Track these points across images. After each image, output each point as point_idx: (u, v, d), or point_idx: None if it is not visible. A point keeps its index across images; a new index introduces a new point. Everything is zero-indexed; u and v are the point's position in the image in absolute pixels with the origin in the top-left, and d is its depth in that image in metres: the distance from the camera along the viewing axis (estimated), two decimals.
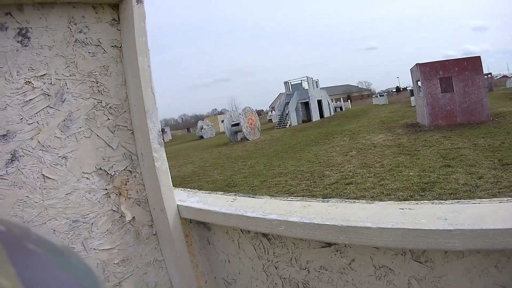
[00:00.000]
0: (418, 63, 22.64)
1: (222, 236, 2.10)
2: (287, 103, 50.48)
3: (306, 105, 52.06)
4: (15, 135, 1.81)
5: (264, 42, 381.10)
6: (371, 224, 1.34)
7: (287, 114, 49.62)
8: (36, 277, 0.50)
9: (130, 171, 2.21)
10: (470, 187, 8.85)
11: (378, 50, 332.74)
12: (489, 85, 56.30)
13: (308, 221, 1.52)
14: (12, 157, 1.80)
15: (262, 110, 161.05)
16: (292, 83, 54.77)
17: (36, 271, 0.51)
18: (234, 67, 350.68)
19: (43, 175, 1.89)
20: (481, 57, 21.84)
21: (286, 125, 47.86)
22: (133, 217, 2.19)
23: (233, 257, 2.09)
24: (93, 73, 2.08)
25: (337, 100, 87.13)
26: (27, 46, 1.87)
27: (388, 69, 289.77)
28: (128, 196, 2.18)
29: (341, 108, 75.54)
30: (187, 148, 41.84)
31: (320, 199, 1.78)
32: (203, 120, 66.67)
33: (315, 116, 51.39)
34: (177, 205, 2.20)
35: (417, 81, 24.14)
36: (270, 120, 76.64)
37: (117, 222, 2.13)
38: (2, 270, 0.45)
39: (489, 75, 69.06)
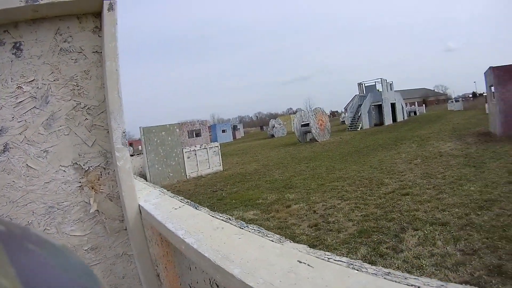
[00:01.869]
0: (492, 66, 21.22)
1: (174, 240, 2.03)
2: (360, 105, 49.76)
3: (379, 108, 51.22)
4: (7, 131, 2.20)
5: (344, 41, 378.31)
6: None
7: (359, 116, 48.98)
8: (36, 277, 0.50)
9: (104, 168, 2.46)
10: None
11: (457, 52, 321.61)
12: None
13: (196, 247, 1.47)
14: (4, 148, 2.20)
15: (337, 111, 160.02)
16: (365, 85, 53.89)
17: (36, 271, 0.51)
18: (314, 66, 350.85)
19: (27, 165, 2.25)
20: None
21: (358, 127, 47.31)
22: (98, 210, 2.42)
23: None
24: (75, 77, 2.37)
25: (412, 104, 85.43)
26: (20, 57, 2.22)
27: (466, 73, 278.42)
28: (101, 190, 2.44)
29: (415, 113, 73.96)
30: (256, 146, 42.33)
31: (241, 222, 1.68)
32: (275, 119, 67.06)
33: (388, 120, 50.41)
34: (138, 204, 2.37)
35: (490, 86, 22.66)
36: (343, 122, 76.27)
37: (89, 213, 2.40)
38: (2, 270, 0.45)
39: None
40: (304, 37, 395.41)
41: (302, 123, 36.81)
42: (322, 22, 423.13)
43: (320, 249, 4.63)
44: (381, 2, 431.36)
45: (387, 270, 1.11)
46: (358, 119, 49.14)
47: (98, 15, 2.40)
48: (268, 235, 1.48)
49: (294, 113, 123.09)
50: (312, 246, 7.07)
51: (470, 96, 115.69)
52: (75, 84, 2.36)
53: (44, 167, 2.28)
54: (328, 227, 8.53)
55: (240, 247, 1.39)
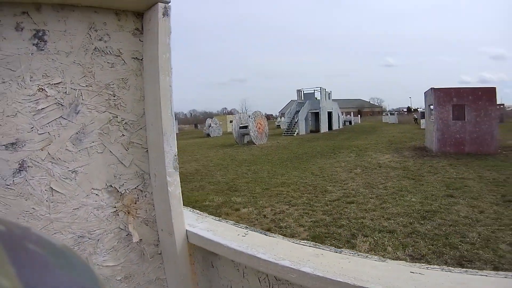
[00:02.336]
0: (433, 88, 22.57)
1: (227, 263, 2.04)
2: (298, 111, 50.37)
3: (316, 115, 52.11)
4: (25, 144, 1.76)
5: (287, 47, 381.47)
6: (382, 287, 1.32)
7: (296, 122, 49.54)
8: (36, 277, 0.50)
9: (141, 190, 2.17)
10: (470, 220, 8.83)
11: (395, 68, 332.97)
12: (501, 116, 56.13)
13: (321, 274, 1.48)
14: (20, 167, 1.75)
15: (272, 115, 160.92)
16: (304, 92, 54.78)
17: (36, 271, 0.51)
18: (252, 69, 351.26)
19: (51, 188, 1.83)
20: (496, 87, 21.80)
21: (294, 133, 47.79)
22: (140, 239, 2.15)
23: (236, 284, 2.02)
24: (111, 85, 2.03)
25: (348, 113, 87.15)
26: (43, 50, 1.79)
27: (402, 88, 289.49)
28: (137, 215, 2.15)
29: (350, 122, 75.59)
30: (193, 144, 41.81)
31: (333, 248, 1.75)
32: (212, 118, 66.71)
33: (324, 127, 51.42)
34: (186, 230, 2.17)
35: (429, 105, 24.07)
36: (279, 126, 76.60)
37: (123, 240, 2.09)
38: (2, 270, 0.45)
39: (502, 106, 68.78)
40: (243, 41, 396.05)
41: (241, 125, 36.83)
42: (264, 27, 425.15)
43: None
44: (325, 14, 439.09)
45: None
46: (295, 124, 49.66)
47: (139, 15, 2.10)
48: (368, 256, 1.62)
49: (230, 113, 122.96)
50: None
51: (405, 110, 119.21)
52: (111, 93, 2.02)
53: (73, 190, 1.91)
54: (281, 231, 8.64)
55: (359, 269, 1.49)
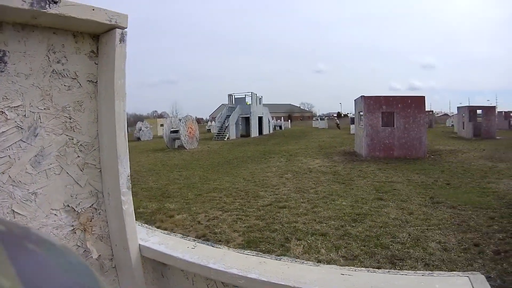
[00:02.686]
0: (363, 95, 23.34)
1: (177, 272, 2.15)
2: (228, 116, 50.45)
3: (247, 120, 52.40)
4: None
5: (219, 50, 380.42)
6: None
7: (227, 126, 49.60)
8: (36, 277, 0.50)
9: (95, 208, 2.21)
10: (400, 222, 9.23)
11: (325, 74, 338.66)
12: (430, 122, 58.58)
13: (266, 279, 1.65)
14: None
15: (202, 119, 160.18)
16: (235, 97, 54.96)
17: (36, 271, 0.51)
18: (184, 71, 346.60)
19: (13, 210, 1.85)
20: (425, 94, 22.93)
21: (225, 137, 47.81)
22: (99, 255, 2.20)
23: None
24: (67, 108, 2.06)
25: (278, 118, 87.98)
26: (3, 71, 1.78)
27: (332, 94, 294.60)
28: (92, 232, 2.19)
29: (280, 127, 76.34)
30: None
31: (274, 256, 1.93)
32: (142, 122, 65.69)
33: (254, 132, 51.84)
34: (139, 244, 2.24)
35: (359, 112, 24.83)
36: (209, 130, 76.26)
37: (82, 256, 2.04)
38: (2, 270, 0.46)
39: (431, 112, 71.69)
40: (173, 42, 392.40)
41: (172, 129, 36.50)
42: (195, 28, 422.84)
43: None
44: (256, 16, 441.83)
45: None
46: (225, 129, 49.72)
47: (95, 37, 2.14)
48: (305, 262, 1.83)
49: (160, 116, 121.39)
50: None
51: (335, 115, 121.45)
52: (68, 115, 2.06)
53: (33, 212, 1.92)
54: (216, 237, 8.71)
55: (298, 273, 1.68)
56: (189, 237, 2.35)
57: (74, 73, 2.06)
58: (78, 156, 2.12)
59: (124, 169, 2.15)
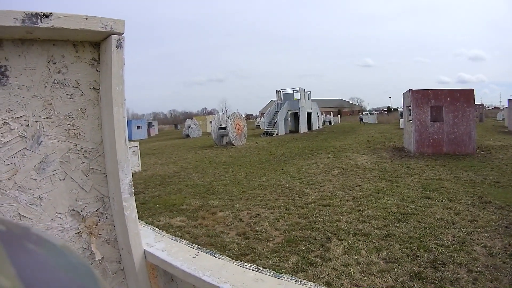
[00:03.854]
0: (411, 89, 22.77)
1: (184, 282, 2.11)
2: (277, 112, 50.45)
3: (296, 115, 52.20)
4: None
5: (264, 47, 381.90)
6: None
7: (275, 122, 49.57)
8: (36, 277, 0.50)
9: (102, 213, 2.28)
10: (446, 222, 8.91)
11: (374, 68, 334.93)
12: (480, 116, 57.11)
13: None
14: None
15: (252, 115, 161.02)
16: (284, 92, 54.80)
17: (36, 271, 0.51)
18: (231, 69, 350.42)
19: (19, 213, 1.94)
20: (474, 87, 22.11)
21: (273, 133, 47.84)
22: (102, 257, 2.25)
23: None
24: (70, 116, 2.13)
25: (327, 113, 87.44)
26: (5, 85, 1.88)
27: (381, 88, 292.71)
28: (99, 235, 2.25)
29: (329, 122, 76.03)
30: (171, 145, 41.57)
31: (273, 272, 1.84)
32: (191, 119, 66.33)
33: (303, 128, 51.56)
34: (144, 249, 2.28)
35: (407, 106, 24.27)
36: (258, 126, 76.65)
37: (87, 258, 2.17)
38: (2, 270, 0.45)
39: (481, 106, 69.78)
40: (222, 40, 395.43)
41: (220, 126, 36.71)
42: (242, 27, 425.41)
43: (251, 257, 4.96)
44: (299, 14, 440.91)
45: None
46: (274, 125, 49.71)
47: (96, 45, 2.21)
48: (305, 283, 1.72)
49: (209, 113, 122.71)
50: (244, 254, 7.28)
51: (385, 110, 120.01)
52: (71, 123, 2.14)
53: (39, 215, 2.02)
54: (256, 235, 8.70)
55: None
56: (193, 245, 2.33)
57: (76, 81, 2.14)
58: (83, 162, 2.19)
59: (126, 175, 2.19)
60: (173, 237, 2.49)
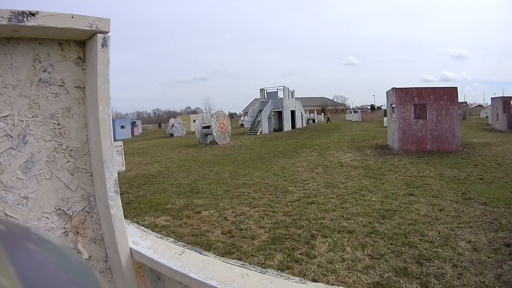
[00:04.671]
0: (395, 87, 22.92)
1: (171, 279, 2.12)
2: (261, 110, 50.60)
3: (279, 114, 52.44)
4: None
5: (249, 47, 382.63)
6: None
7: (259, 121, 49.73)
8: (36, 277, 0.50)
9: (88, 212, 2.26)
10: (430, 219, 9.01)
11: (357, 67, 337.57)
12: (463, 114, 57.64)
13: None
14: None
15: (236, 114, 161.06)
16: (267, 91, 54.89)
17: (36, 271, 0.51)
18: (215, 67, 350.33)
19: (6, 213, 1.93)
20: (458, 85, 22.42)
21: (257, 132, 47.95)
22: (89, 256, 2.24)
23: None
24: (55, 115, 2.12)
25: (311, 112, 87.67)
26: None
27: (365, 86, 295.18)
28: (85, 234, 2.24)
29: (313, 121, 76.29)
30: (156, 145, 41.37)
31: (259, 268, 1.87)
32: (175, 118, 66.21)
33: (287, 126, 51.73)
34: (130, 248, 2.27)
35: (391, 105, 24.45)
36: (242, 125, 76.78)
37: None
38: (2, 270, 0.46)
39: (464, 104, 70.44)
40: (207, 40, 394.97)
41: (204, 125, 36.66)
42: (226, 26, 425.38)
43: (237, 255, 4.99)
44: (288, 13, 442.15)
45: None
46: (258, 123, 49.85)
47: (82, 44, 2.19)
48: (290, 278, 1.73)
49: (193, 112, 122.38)
50: (229, 253, 7.30)
51: (368, 108, 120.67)
52: (56, 122, 2.12)
53: (25, 215, 2.01)
54: (241, 234, 8.71)
55: None
56: (179, 242, 2.33)
57: (61, 80, 2.12)
58: (68, 161, 2.18)
59: (111, 174, 2.17)
60: (159, 235, 2.50)
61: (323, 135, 39.41)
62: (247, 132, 49.23)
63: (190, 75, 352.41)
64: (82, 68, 2.19)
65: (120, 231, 2.21)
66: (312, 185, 13.73)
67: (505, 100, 36.69)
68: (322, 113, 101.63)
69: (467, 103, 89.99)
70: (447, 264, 6.51)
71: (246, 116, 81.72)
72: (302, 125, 59.66)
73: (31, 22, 1.78)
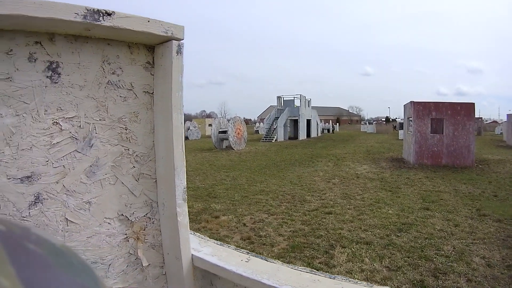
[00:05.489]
0: (413, 101, 22.96)
1: (227, 283, 2.15)
2: (277, 118, 50.61)
3: (295, 122, 52.42)
4: (40, 178, 1.78)
5: (265, 52, 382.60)
6: None
7: (275, 128, 49.67)
8: (36, 277, 0.51)
9: (149, 218, 2.25)
10: (445, 234, 9.05)
11: (373, 77, 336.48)
12: (478, 129, 57.27)
13: None
14: (35, 199, 1.77)
15: (250, 120, 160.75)
16: (284, 99, 55.00)
17: (36, 271, 0.52)
18: (231, 72, 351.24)
19: (66, 218, 1.88)
20: (473, 100, 22.41)
21: (273, 139, 47.87)
22: (149, 264, 2.23)
23: None
24: (123, 119, 2.08)
25: (326, 121, 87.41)
26: (57, 83, 1.81)
27: (380, 97, 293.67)
28: (145, 240, 2.23)
29: (328, 130, 76.18)
30: None
31: (327, 274, 1.92)
32: (191, 121, 66.13)
33: (302, 135, 51.85)
34: (192, 254, 2.27)
35: (408, 118, 24.49)
36: (257, 131, 76.53)
37: (132, 263, 2.16)
38: (2, 270, 0.46)
39: (480, 119, 69.90)
40: (224, 44, 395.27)
41: (220, 130, 36.62)
42: (244, 31, 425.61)
43: None
44: (305, 20, 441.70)
45: None
46: (273, 130, 49.82)
47: (151, 48, 2.16)
48: (358, 283, 1.82)
49: (208, 116, 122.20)
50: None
51: (383, 120, 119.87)
52: (123, 126, 2.08)
53: (87, 220, 1.96)
54: (260, 241, 8.77)
55: None
56: (242, 250, 2.37)
57: (130, 84, 2.09)
58: (134, 167, 2.15)
59: (181, 181, 2.17)
60: (219, 242, 2.51)
61: (339, 145, 39.41)
62: (263, 139, 49.14)
63: (206, 78, 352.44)
64: (151, 73, 2.17)
65: (184, 237, 2.20)
66: (329, 195, 13.76)
67: None
68: (337, 123, 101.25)
69: (482, 118, 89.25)
70: (461, 278, 6.57)
71: (261, 123, 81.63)
72: (317, 134, 59.62)
73: (107, 22, 1.75)
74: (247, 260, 2.15)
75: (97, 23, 1.72)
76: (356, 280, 1.88)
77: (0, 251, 0.49)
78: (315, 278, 1.86)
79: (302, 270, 1.98)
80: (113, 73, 2.01)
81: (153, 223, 2.27)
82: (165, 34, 1.99)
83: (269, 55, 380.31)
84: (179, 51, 2.06)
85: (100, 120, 1.98)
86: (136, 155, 2.16)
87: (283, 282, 1.81)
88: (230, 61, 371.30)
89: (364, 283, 1.82)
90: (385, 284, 6.32)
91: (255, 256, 2.23)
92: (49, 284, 0.52)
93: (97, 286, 0.62)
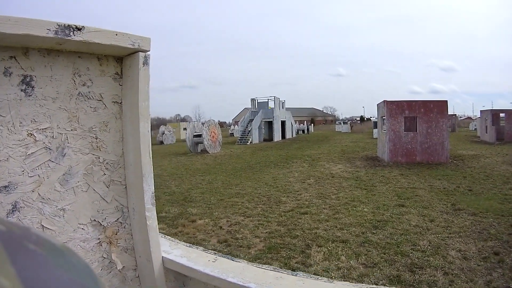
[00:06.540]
0: (386, 100, 23.33)
1: (198, 283, 2.20)
2: (251, 120, 50.58)
3: (270, 124, 52.36)
4: (17, 187, 1.83)
5: (238, 56, 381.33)
6: None
7: (249, 131, 49.63)
8: (36, 277, 0.51)
9: (121, 222, 2.31)
10: (421, 229, 9.25)
11: (346, 78, 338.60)
12: (452, 126, 58.09)
13: None
14: (13, 208, 1.83)
15: (225, 122, 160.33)
16: (258, 101, 55.09)
17: (36, 271, 0.51)
18: (203, 75, 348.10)
19: (42, 225, 1.93)
20: (446, 97, 22.90)
21: (248, 142, 47.85)
22: (123, 266, 2.29)
23: None
24: (93, 129, 2.14)
25: (301, 122, 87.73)
26: (31, 96, 1.87)
27: (354, 98, 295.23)
28: (118, 244, 2.28)
29: (303, 131, 76.48)
30: None
31: (290, 271, 2.00)
32: (165, 126, 65.82)
33: (277, 136, 51.90)
34: (162, 256, 2.32)
35: (382, 117, 24.84)
36: (232, 134, 76.38)
37: (106, 267, 2.22)
38: (2, 270, 0.46)
39: (454, 116, 70.94)
40: (195, 47, 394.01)
41: (195, 134, 36.52)
42: (215, 35, 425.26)
43: None
44: (277, 23, 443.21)
45: None
46: (248, 133, 49.78)
47: (119, 59, 2.22)
48: (319, 278, 1.90)
49: (183, 120, 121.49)
50: None
51: (358, 119, 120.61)
52: (94, 136, 2.15)
53: (62, 226, 2.02)
54: (237, 243, 8.82)
55: None
56: (210, 251, 2.41)
57: (100, 95, 2.16)
58: (104, 174, 2.22)
59: (149, 187, 2.23)
60: (188, 244, 2.58)
61: (313, 146, 39.51)
62: (238, 142, 49.08)
63: (179, 82, 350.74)
64: (119, 84, 2.24)
65: (154, 241, 2.26)
66: (304, 196, 13.88)
67: (494, 113, 37.19)
68: (312, 124, 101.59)
69: (457, 115, 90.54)
70: (438, 272, 6.74)
71: (236, 125, 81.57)
72: (292, 136, 59.73)
73: (77, 36, 1.81)
74: (214, 260, 2.21)
75: (68, 38, 1.78)
76: (317, 276, 1.98)
77: (0, 251, 0.49)
78: (279, 276, 1.94)
79: (266, 268, 2.06)
80: (83, 85, 2.08)
81: (124, 227, 2.33)
82: (132, 47, 2.06)
83: (240, 58, 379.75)
84: (146, 62, 2.13)
85: (72, 130, 2.04)
86: (107, 163, 2.23)
87: (248, 280, 1.89)
88: (202, 65, 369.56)
89: (325, 279, 1.90)
90: (362, 281, 6.40)
91: (222, 256, 2.29)
92: (50, 284, 0.52)
93: (97, 286, 0.62)
